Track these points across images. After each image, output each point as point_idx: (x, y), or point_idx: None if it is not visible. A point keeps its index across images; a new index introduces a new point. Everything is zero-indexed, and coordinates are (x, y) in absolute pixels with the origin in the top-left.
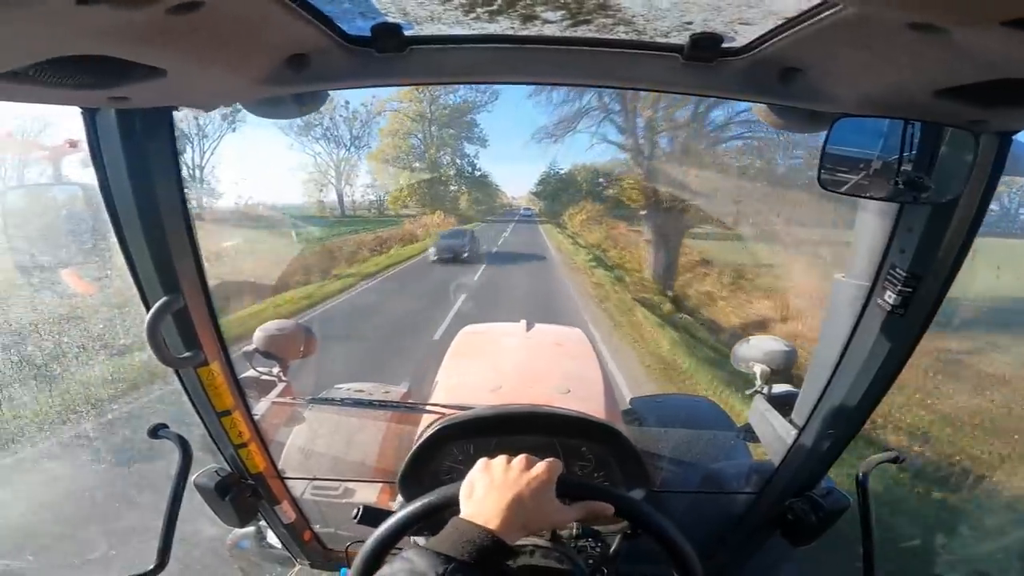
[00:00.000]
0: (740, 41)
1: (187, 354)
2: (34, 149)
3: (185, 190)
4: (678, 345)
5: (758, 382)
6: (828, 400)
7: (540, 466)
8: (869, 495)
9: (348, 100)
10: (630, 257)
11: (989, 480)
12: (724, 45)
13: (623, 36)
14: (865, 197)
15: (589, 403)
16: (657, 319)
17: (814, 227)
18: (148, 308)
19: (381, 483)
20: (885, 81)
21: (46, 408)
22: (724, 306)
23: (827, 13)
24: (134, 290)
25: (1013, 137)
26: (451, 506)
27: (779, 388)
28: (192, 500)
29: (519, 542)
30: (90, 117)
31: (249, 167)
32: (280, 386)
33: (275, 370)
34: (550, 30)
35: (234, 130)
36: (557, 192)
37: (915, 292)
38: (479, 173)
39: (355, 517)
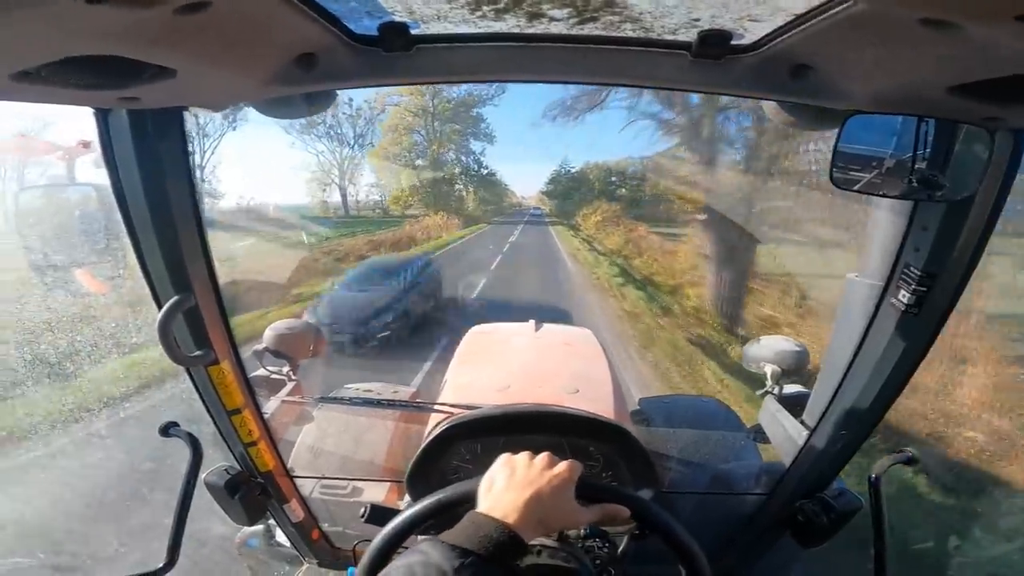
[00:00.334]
0: (749, 38)
1: (198, 353)
2: (36, 149)
3: (196, 190)
4: None
5: (769, 382)
6: (840, 401)
7: (562, 465)
8: (882, 496)
9: (351, 97)
10: (660, 268)
11: (1003, 481)
12: (733, 42)
13: (630, 34)
14: (878, 195)
15: (598, 403)
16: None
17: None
18: (160, 307)
19: (389, 482)
20: (898, 78)
21: (59, 406)
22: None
23: (839, 8)
24: (146, 289)
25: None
26: (458, 505)
27: (790, 388)
28: (202, 498)
29: None
30: (102, 118)
31: (250, 167)
32: (290, 385)
33: (285, 369)
34: (557, 28)
35: (234, 129)
36: (569, 191)
37: (930, 291)
38: (486, 171)
39: (362, 516)
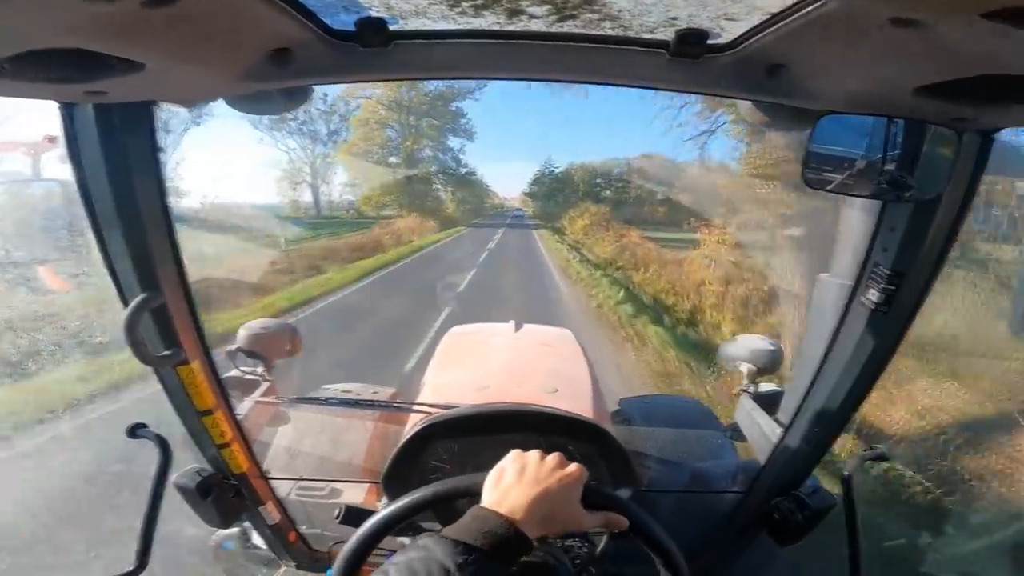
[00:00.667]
0: (726, 37)
1: (166, 352)
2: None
3: (165, 186)
4: None
5: (744, 381)
6: (813, 399)
7: (572, 467)
8: (854, 494)
9: (325, 92)
10: (668, 285)
11: (974, 478)
12: (710, 41)
13: (609, 32)
14: (850, 195)
15: (577, 402)
16: None
17: None
18: (126, 305)
19: (368, 483)
20: (868, 78)
21: (21, 407)
22: None
23: (812, 8)
24: (112, 288)
25: (996, 135)
26: (436, 504)
27: (766, 387)
28: (175, 501)
29: None
30: (67, 112)
31: (220, 163)
32: (264, 385)
33: (259, 369)
34: (536, 26)
35: (199, 124)
36: (553, 192)
37: (898, 290)
38: (464, 170)
39: (337, 517)
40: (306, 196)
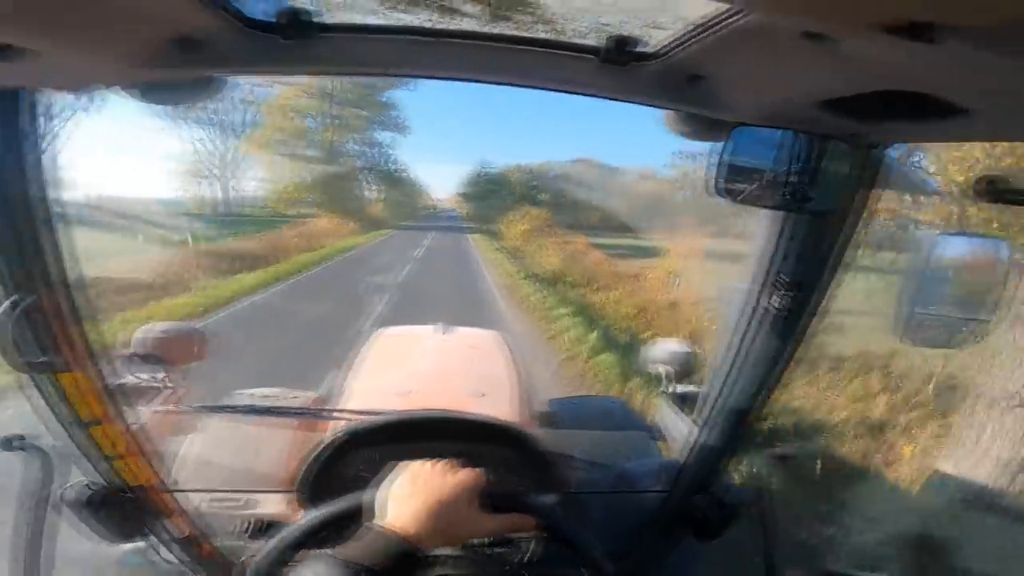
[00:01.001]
0: (653, 46)
1: (43, 359)
2: None
3: (48, 180)
4: None
5: (663, 383)
6: (724, 399)
7: (466, 474)
8: (764, 490)
9: (240, 80)
10: (634, 309)
11: (873, 472)
12: (639, 49)
13: (543, 35)
14: (755, 206)
15: (503, 406)
16: None
17: None
18: None
19: (286, 493)
20: (779, 91)
21: None
22: None
23: (731, 20)
24: None
25: (891, 151)
26: (352, 516)
27: (684, 388)
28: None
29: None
30: None
31: (115, 154)
32: (166, 392)
33: (160, 375)
34: (469, 25)
35: (90, 111)
36: (490, 193)
37: (798, 297)
38: (394, 167)
39: (246, 531)
40: (215, 191)
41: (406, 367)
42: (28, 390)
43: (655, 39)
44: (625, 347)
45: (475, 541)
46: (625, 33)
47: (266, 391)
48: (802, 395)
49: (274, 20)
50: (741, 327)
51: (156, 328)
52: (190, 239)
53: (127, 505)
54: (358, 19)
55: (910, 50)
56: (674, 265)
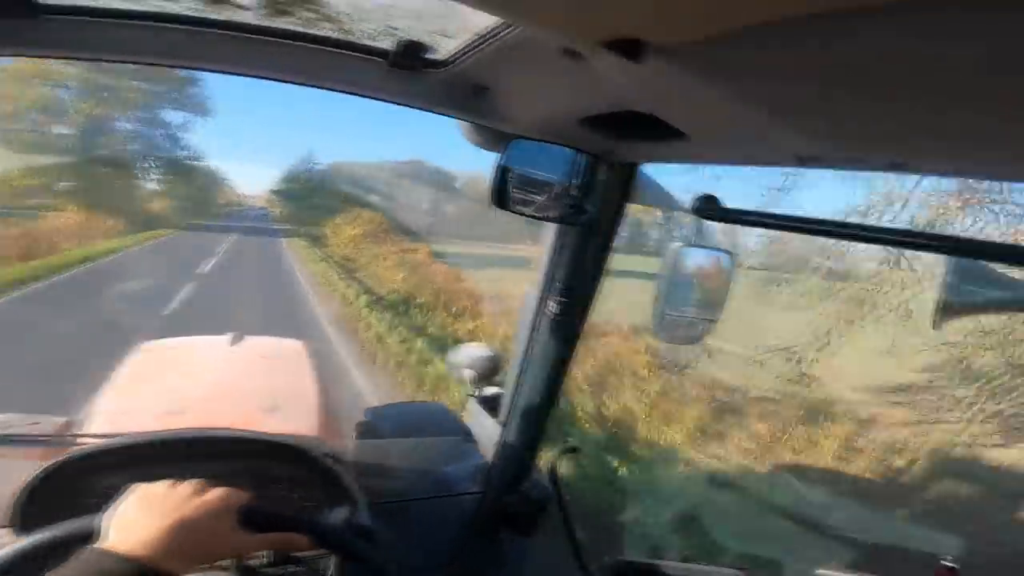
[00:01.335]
0: (442, 53)
1: None
2: None
3: None
4: None
5: (469, 386)
6: (520, 398)
7: (215, 492)
8: (560, 483)
9: None
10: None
11: (661, 460)
12: (428, 55)
13: (329, 34)
14: (526, 216)
15: (300, 420)
16: None
17: None
18: None
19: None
20: (546, 106)
21: None
22: None
23: (504, 32)
24: None
25: (641, 168)
26: (80, 543)
27: (491, 390)
28: None
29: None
30: None
31: None
32: None
33: None
34: (244, 17)
35: None
36: (312, 192)
37: (568, 302)
38: (185, 154)
39: None
40: None
41: (181, 384)
42: None
43: (444, 47)
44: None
45: (255, 562)
46: (414, 38)
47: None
48: (586, 393)
49: None
50: (529, 331)
51: None
52: None
53: None
54: (98, 2)
55: (625, 68)
56: (507, 276)
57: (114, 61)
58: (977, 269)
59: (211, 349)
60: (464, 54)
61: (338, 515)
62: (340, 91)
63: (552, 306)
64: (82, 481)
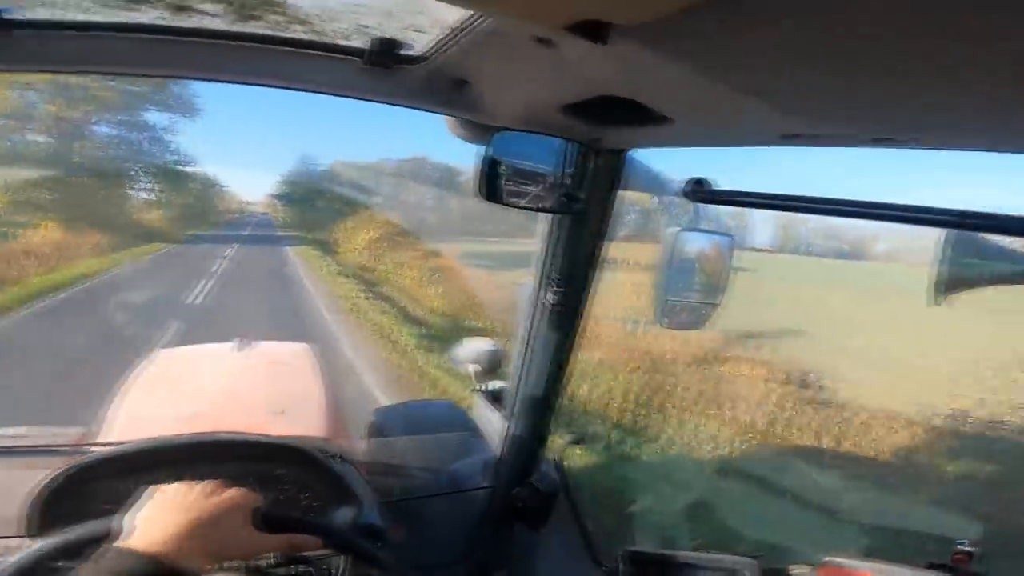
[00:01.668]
0: (418, 49)
1: None
2: None
3: None
4: None
5: (474, 381)
6: (524, 391)
7: (231, 492)
8: (567, 474)
9: None
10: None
11: (667, 450)
12: (403, 52)
13: (302, 36)
14: (516, 207)
15: (308, 423)
16: None
17: None
18: None
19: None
20: (526, 95)
21: None
22: None
23: (476, 24)
24: None
25: (631, 154)
26: (98, 543)
27: (496, 384)
28: None
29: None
30: None
31: None
32: None
33: None
34: (212, 24)
35: None
36: (316, 194)
37: (566, 292)
38: (174, 158)
39: None
40: None
41: (194, 390)
42: None
43: (418, 43)
44: None
45: (265, 561)
46: (387, 35)
47: (15, 431)
48: (590, 383)
49: None
50: (528, 322)
51: None
52: None
53: None
54: (67, 16)
55: (593, 52)
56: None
57: (90, 73)
58: (977, 242)
59: (220, 356)
60: (439, 48)
61: (345, 516)
62: (319, 92)
63: (549, 297)
64: (96, 486)
